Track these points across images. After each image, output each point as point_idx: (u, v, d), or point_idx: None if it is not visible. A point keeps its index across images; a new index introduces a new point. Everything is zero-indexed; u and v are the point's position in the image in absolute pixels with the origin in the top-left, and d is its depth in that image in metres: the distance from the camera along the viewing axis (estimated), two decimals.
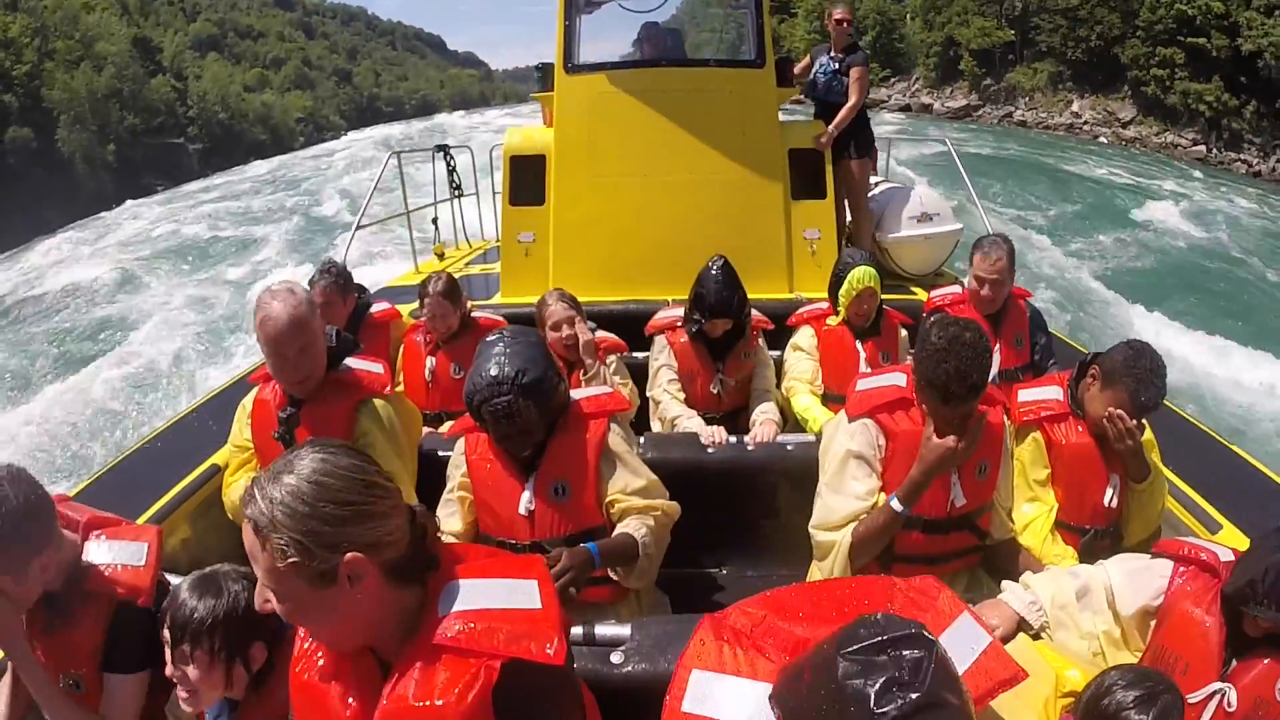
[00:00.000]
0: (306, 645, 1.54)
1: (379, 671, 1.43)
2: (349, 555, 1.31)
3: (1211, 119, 27.81)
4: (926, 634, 1.03)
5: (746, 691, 1.20)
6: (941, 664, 1.00)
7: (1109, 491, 2.71)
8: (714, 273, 3.71)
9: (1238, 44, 27.31)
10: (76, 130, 46.97)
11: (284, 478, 1.30)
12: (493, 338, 2.48)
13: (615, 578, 2.50)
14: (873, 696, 0.96)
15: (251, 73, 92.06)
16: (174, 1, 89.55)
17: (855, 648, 1.01)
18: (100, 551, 2.09)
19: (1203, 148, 27.67)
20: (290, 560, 1.27)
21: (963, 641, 1.27)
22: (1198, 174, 25.40)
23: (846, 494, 2.53)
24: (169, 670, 1.85)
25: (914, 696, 0.95)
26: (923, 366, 2.37)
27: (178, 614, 1.81)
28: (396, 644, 1.41)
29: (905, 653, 0.98)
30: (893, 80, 47.47)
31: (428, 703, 1.32)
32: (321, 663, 1.49)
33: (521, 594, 1.46)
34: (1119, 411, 2.55)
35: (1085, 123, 32.61)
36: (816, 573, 2.69)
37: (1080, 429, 2.74)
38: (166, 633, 1.82)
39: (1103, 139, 31.23)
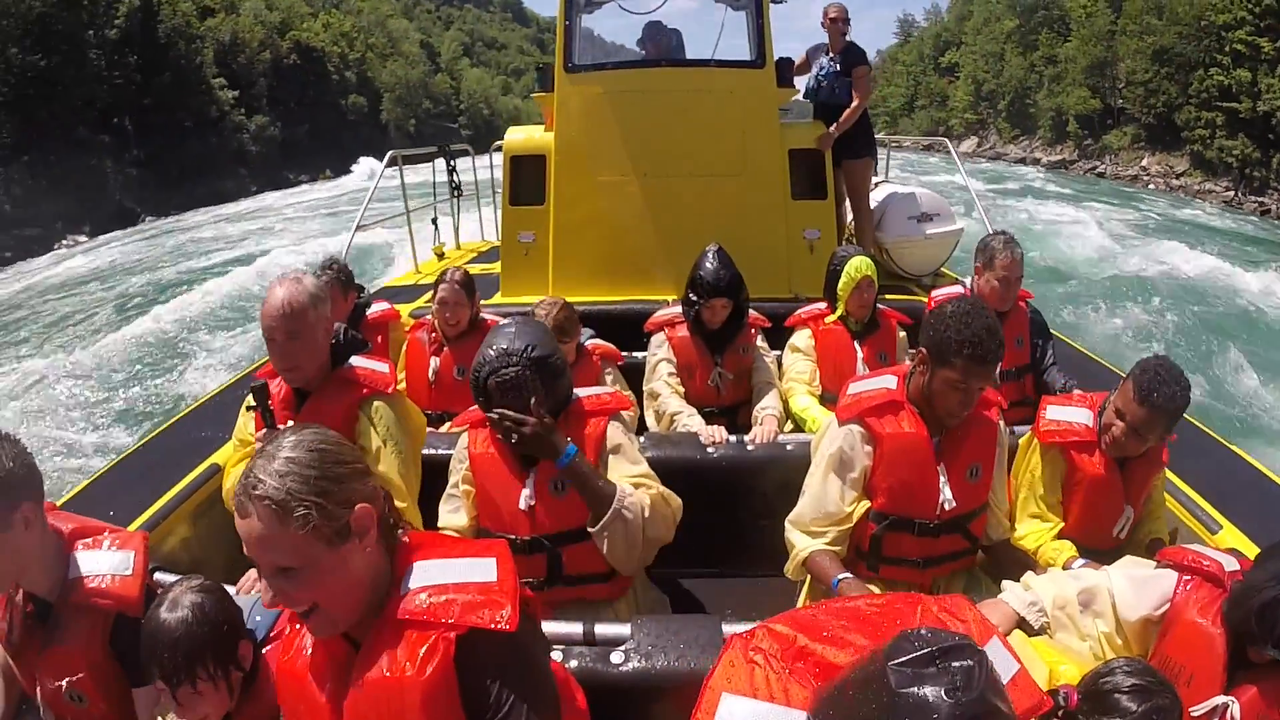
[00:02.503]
0: (289, 633, 1.59)
1: (353, 652, 1.48)
2: (359, 507, 1.40)
3: (1239, 169, 31.65)
4: (974, 644, 1.00)
5: (779, 716, 1.17)
6: (991, 673, 0.99)
7: (1120, 522, 2.69)
8: (709, 255, 3.77)
9: (1259, 107, 31.01)
10: (395, 106, 66.68)
11: (280, 456, 1.37)
12: (505, 321, 2.54)
13: (589, 530, 2.38)
14: (929, 702, 0.93)
15: (498, 79, 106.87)
16: (431, 11, 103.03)
17: (904, 658, 0.98)
18: (87, 562, 1.99)
19: (1232, 193, 31.59)
20: (313, 524, 1.34)
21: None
22: (1203, 207, 29.82)
23: (823, 498, 2.52)
24: (178, 712, 1.78)
25: (970, 701, 0.93)
26: (946, 332, 2.29)
27: (166, 656, 1.74)
28: (368, 623, 1.47)
29: (956, 663, 0.96)
30: (1020, 138, 53.46)
31: (394, 675, 1.38)
32: (305, 651, 1.54)
33: (478, 569, 1.50)
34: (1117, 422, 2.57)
35: (1149, 174, 37.00)
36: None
37: (1105, 458, 2.67)
38: (161, 681, 1.76)
39: (1153, 186, 35.95)
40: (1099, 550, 2.65)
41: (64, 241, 28.17)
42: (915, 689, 0.95)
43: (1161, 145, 37.94)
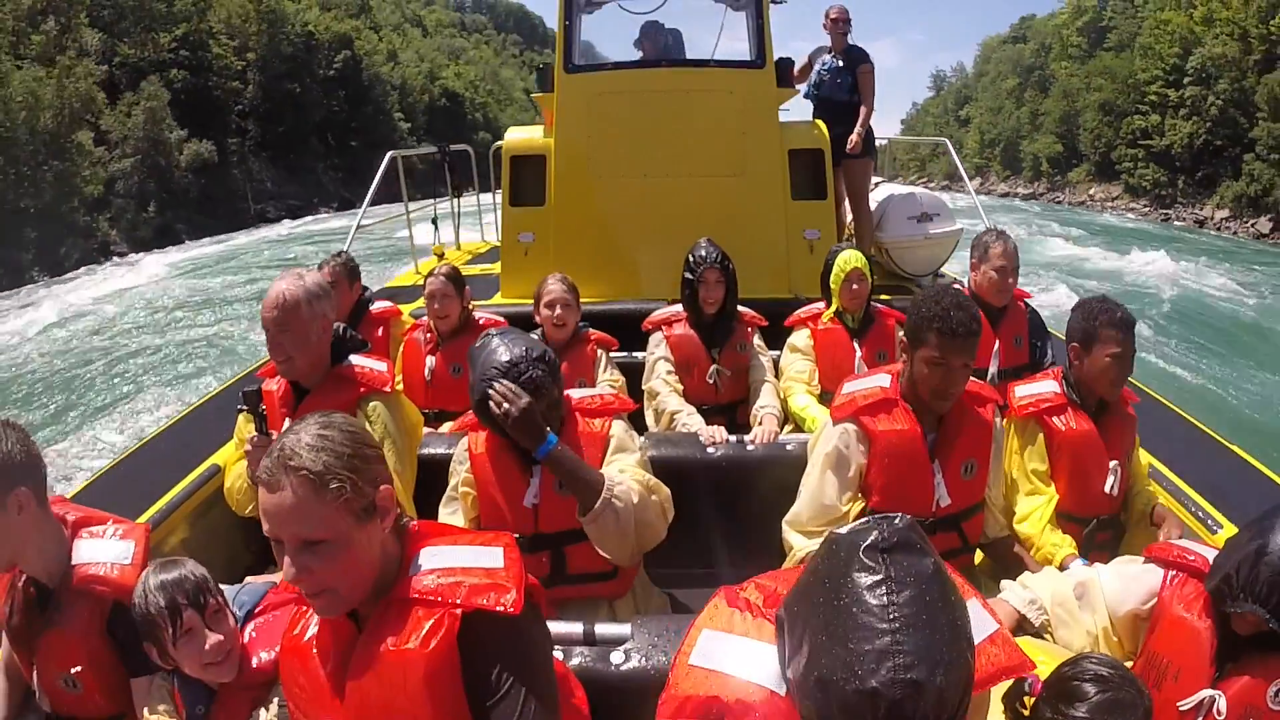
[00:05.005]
0: (296, 612, 1.52)
1: (356, 630, 1.40)
2: (384, 488, 1.35)
3: (1153, 191, 38.68)
4: (913, 521, 1.01)
5: (753, 651, 1.16)
6: (920, 531, 1.00)
7: (1110, 478, 2.50)
8: (700, 240, 3.58)
9: (1163, 142, 37.72)
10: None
11: (312, 432, 1.31)
12: (480, 340, 2.29)
13: (580, 522, 2.16)
14: (857, 540, 0.98)
15: None
16: (516, 56, 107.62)
17: (847, 527, 1.02)
18: (89, 550, 1.89)
19: (1148, 209, 38.27)
20: (345, 496, 1.28)
21: None
22: (1112, 216, 37.37)
23: (819, 498, 2.34)
24: (201, 660, 1.69)
25: (896, 534, 0.97)
26: (918, 311, 2.19)
27: (175, 602, 1.66)
28: (374, 603, 1.38)
29: (892, 520, 0.99)
30: (1010, 177, 60.21)
31: (397, 648, 1.31)
32: (310, 628, 1.46)
33: (486, 556, 1.43)
34: (1114, 351, 2.43)
35: (1094, 200, 44.40)
36: None
37: (1079, 417, 2.50)
38: (171, 630, 1.67)
39: (1091, 206, 43.34)
40: (1099, 516, 2.53)
41: (321, 210, 38.94)
42: (849, 534, 1.01)
43: (1104, 177, 44.61)
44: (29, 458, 1.78)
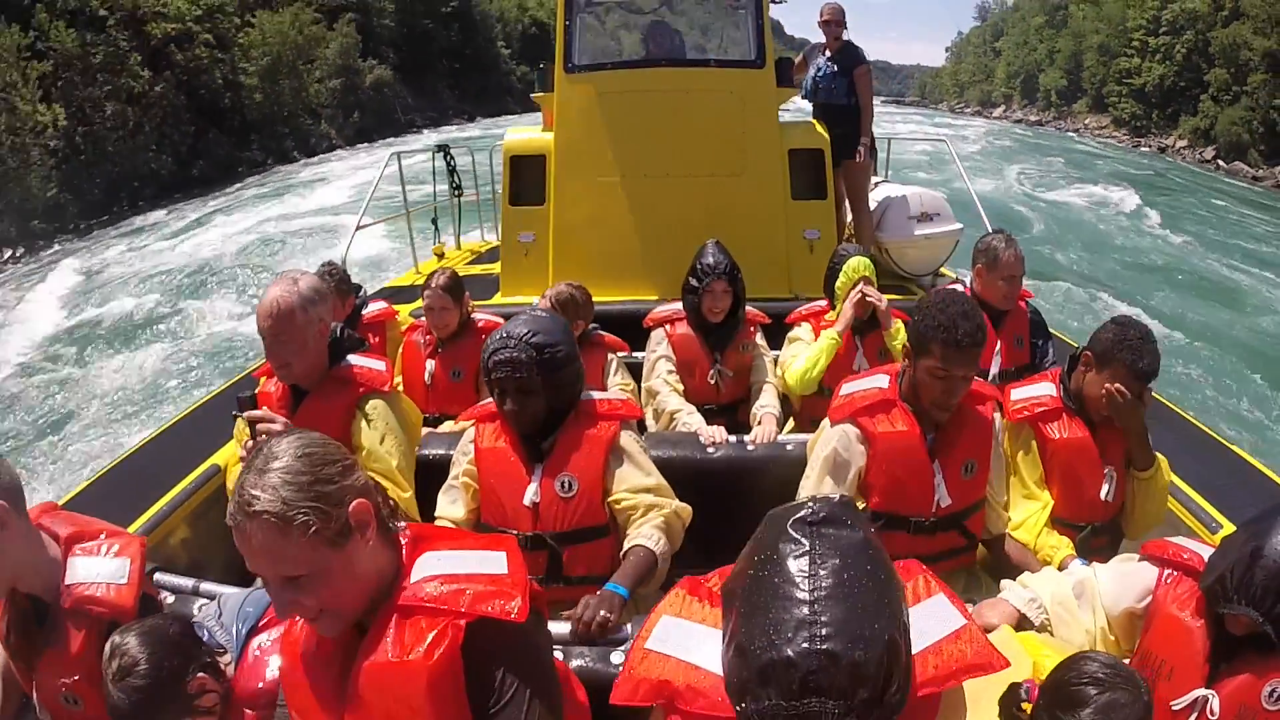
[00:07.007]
0: (296, 627, 1.33)
1: (358, 638, 1.25)
2: (355, 503, 1.17)
3: (1130, 123, 41.32)
4: (851, 502, 0.92)
5: (706, 636, 1.11)
6: (855, 507, 0.92)
7: (1105, 486, 2.28)
8: (708, 246, 3.17)
9: (1139, 81, 39.67)
10: None
11: (270, 468, 1.13)
12: (524, 313, 2.01)
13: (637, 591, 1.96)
14: (790, 512, 0.95)
15: None
16: None
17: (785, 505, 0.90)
18: (83, 569, 1.71)
19: (1127, 139, 40.23)
20: (314, 529, 1.13)
21: (930, 618, 1.08)
22: (1100, 141, 38.93)
23: None
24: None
25: (825, 509, 0.93)
26: (923, 319, 1.96)
27: (165, 676, 1.53)
28: (375, 610, 1.22)
29: (829, 498, 0.97)
30: (1026, 106, 60.82)
31: (400, 659, 1.20)
32: (309, 636, 1.33)
33: (489, 562, 1.29)
34: (1117, 385, 2.13)
35: (1086, 128, 46.30)
36: None
37: (1074, 423, 2.24)
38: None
39: (1083, 134, 45.06)
40: (1094, 523, 2.27)
41: (454, 121, 40.08)
42: (782, 511, 0.97)
43: (1097, 109, 46.69)
44: (3, 476, 1.53)
